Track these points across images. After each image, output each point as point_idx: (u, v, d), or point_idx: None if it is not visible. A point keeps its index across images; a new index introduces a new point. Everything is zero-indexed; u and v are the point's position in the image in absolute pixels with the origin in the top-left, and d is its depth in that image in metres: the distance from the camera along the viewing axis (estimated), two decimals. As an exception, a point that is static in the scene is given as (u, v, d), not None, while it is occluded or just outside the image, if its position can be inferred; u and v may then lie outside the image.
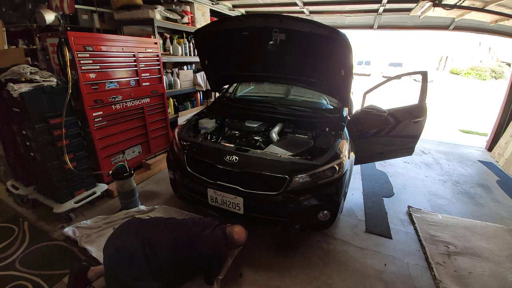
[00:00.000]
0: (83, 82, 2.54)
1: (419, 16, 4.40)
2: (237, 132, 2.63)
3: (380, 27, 5.42)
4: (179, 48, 4.01)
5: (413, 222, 2.69)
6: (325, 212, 2.02)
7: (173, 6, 3.94)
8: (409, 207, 2.95)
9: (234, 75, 3.19)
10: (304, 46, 2.35)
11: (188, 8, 4.09)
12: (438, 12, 3.93)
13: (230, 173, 2.02)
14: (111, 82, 2.83)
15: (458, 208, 3.05)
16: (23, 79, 2.18)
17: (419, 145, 3.93)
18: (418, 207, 2.95)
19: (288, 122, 2.67)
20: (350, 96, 2.71)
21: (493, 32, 4.65)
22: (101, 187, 2.78)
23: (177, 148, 2.36)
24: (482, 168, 4.21)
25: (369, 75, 21.41)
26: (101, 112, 2.78)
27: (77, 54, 2.43)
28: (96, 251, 2.07)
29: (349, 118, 2.74)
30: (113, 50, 2.79)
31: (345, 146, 2.16)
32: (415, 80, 17.66)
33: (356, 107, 3.14)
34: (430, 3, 3.52)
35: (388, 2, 3.88)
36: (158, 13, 3.47)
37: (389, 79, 3.15)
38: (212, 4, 4.69)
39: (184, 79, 4.25)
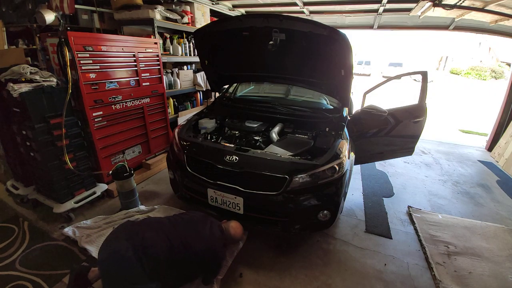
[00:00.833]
0: (83, 82, 2.54)
1: (419, 16, 4.40)
2: (237, 132, 2.63)
3: (380, 27, 5.42)
4: (179, 48, 4.01)
5: (413, 222, 2.69)
6: (325, 212, 2.02)
7: (173, 6, 3.94)
8: (409, 207, 2.95)
9: (234, 75, 3.19)
10: (304, 46, 2.35)
11: (188, 8, 4.09)
12: (438, 12, 3.93)
13: (230, 173, 2.02)
14: (111, 82, 2.83)
15: (458, 208, 3.05)
16: (23, 79, 2.18)
17: (419, 145, 3.93)
18: (418, 207, 2.95)
19: (288, 122, 2.67)
20: (350, 96, 2.71)
21: (493, 32, 4.65)
22: (101, 187, 2.78)
23: (177, 148, 2.36)
24: (482, 168, 4.21)
25: (369, 75, 21.41)
26: (101, 112, 2.78)
27: (77, 54, 2.43)
28: (96, 251, 2.05)
29: (349, 118, 2.74)
30: (113, 50, 2.79)
31: (345, 146, 2.16)
32: (415, 80, 17.66)
33: (356, 107, 3.14)
34: (430, 3, 3.52)
35: (388, 2, 3.88)
36: (158, 13, 3.47)
37: (389, 79, 3.15)
38: (212, 4, 4.69)
39: (184, 79, 4.25)
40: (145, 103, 3.33)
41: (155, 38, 3.46)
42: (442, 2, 3.42)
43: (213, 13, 4.86)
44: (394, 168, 4.02)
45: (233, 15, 5.30)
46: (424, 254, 2.29)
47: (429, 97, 2.83)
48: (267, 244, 2.32)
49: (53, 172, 2.35)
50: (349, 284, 1.97)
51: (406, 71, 6.62)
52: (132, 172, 2.55)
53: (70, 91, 2.32)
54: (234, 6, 5.24)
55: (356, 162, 2.81)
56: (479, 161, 4.50)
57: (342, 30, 2.04)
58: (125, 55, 2.95)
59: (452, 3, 3.37)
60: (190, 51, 4.28)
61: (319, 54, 2.39)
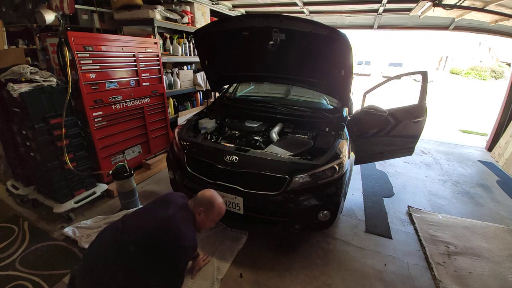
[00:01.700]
0: (83, 82, 2.54)
1: (419, 16, 4.40)
2: (237, 132, 2.63)
3: (380, 27, 5.41)
4: (179, 48, 4.00)
5: (413, 222, 2.69)
6: (325, 212, 2.01)
7: (173, 6, 3.94)
8: (409, 207, 2.95)
9: (234, 75, 3.19)
10: (304, 46, 2.35)
11: (188, 8, 4.09)
12: (438, 12, 3.93)
13: (230, 173, 2.02)
14: (111, 82, 2.83)
15: (458, 208, 3.05)
16: (23, 79, 2.18)
17: (419, 145, 3.92)
18: (418, 207, 2.95)
19: (288, 122, 2.66)
20: (350, 96, 2.71)
21: (493, 32, 4.65)
22: (101, 187, 2.79)
23: (177, 148, 2.36)
24: (482, 168, 4.21)
25: (369, 75, 21.40)
26: (101, 112, 2.78)
27: (77, 54, 2.43)
28: (96, 251, 2.07)
29: (349, 118, 2.74)
30: (113, 50, 2.79)
31: (345, 146, 2.16)
32: (415, 80, 17.65)
33: (356, 107, 3.14)
34: (430, 3, 3.52)
35: (388, 2, 3.88)
36: (158, 13, 3.47)
37: (389, 79, 3.15)
38: (212, 4, 4.69)
39: (184, 79, 4.24)
40: (145, 103, 3.33)
41: (155, 38, 3.45)
42: (442, 2, 3.42)
43: (213, 13, 4.86)
44: (394, 168, 4.02)
45: (233, 15, 5.29)
46: (424, 254, 2.29)
47: (429, 97, 2.83)
48: (267, 244, 2.31)
49: (53, 172, 2.35)
50: (349, 284, 1.97)
51: (406, 71, 6.62)
52: (132, 172, 2.55)
53: (70, 91, 2.32)
54: (234, 6, 5.23)
55: (356, 162, 2.81)
56: (479, 161, 4.49)
57: (342, 30, 2.04)
58: (125, 55, 2.95)
59: (452, 3, 3.37)
60: (190, 51, 4.28)
61: (319, 54, 2.39)
